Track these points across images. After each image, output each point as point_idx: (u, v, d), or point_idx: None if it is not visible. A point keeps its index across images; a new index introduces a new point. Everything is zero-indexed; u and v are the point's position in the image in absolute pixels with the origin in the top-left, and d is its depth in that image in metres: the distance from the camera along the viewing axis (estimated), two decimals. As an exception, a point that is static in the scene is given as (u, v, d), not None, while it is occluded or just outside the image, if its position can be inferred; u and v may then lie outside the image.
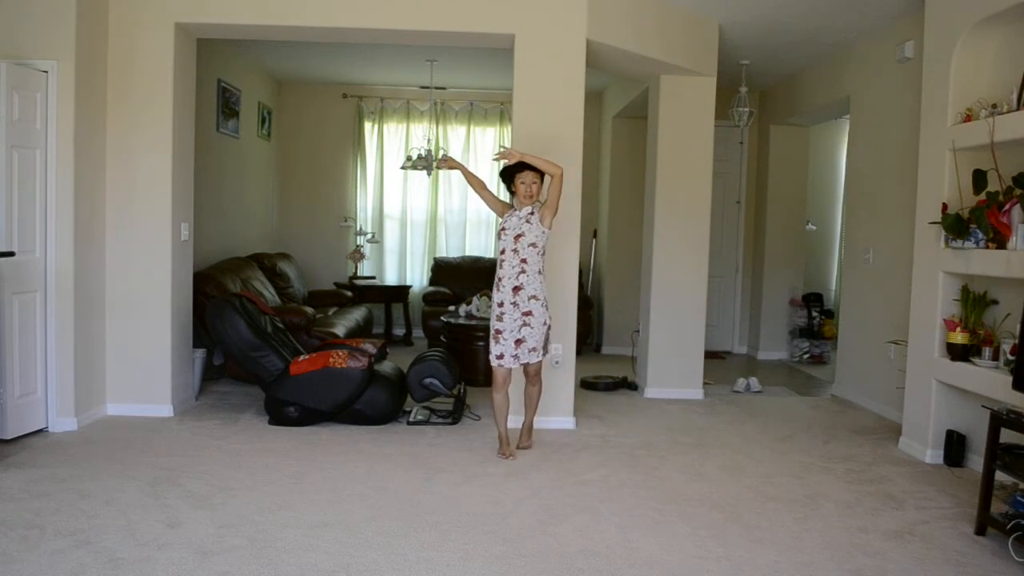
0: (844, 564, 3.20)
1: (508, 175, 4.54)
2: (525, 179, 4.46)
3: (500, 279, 4.47)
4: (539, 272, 4.46)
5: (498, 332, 4.45)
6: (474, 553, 3.19)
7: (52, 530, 3.27)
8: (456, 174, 8.97)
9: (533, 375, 4.63)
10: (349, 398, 5.01)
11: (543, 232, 4.45)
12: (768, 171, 8.24)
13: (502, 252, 4.48)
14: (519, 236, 4.43)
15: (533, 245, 4.43)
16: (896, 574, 3.13)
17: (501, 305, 4.45)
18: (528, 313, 4.42)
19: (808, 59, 6.98)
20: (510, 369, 4.48)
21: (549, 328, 4.54)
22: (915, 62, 5.40)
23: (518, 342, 4.43)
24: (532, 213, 4.46)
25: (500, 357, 4.45)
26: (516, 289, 4.41)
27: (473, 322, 6.69)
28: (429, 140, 8.69)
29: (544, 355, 4.54)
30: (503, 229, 4.51)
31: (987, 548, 3.40)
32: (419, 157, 8.12)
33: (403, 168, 8.48)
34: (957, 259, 4.41)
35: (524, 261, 4.42)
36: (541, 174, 4.46)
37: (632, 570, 3.08)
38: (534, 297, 4.43)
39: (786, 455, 4.75)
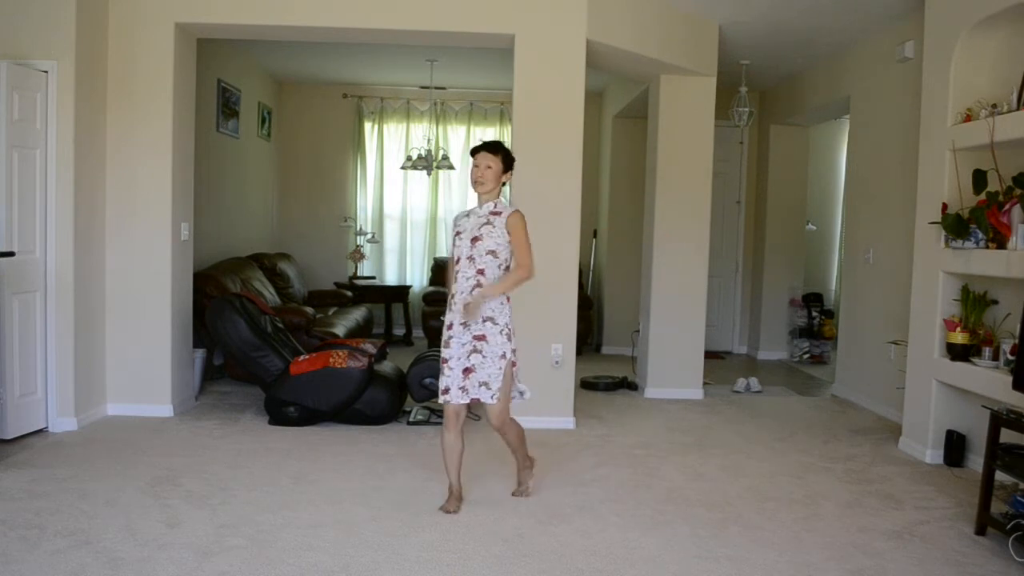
0: (844, 564, 3.20)
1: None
2: (478, 161, 3.60)
3: (452, 295, 3.59)
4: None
5: (444, 361, 3.57)
6: (474, 553, 3.19)
7: (52, 530, 3.27)
8: (456, 175, 8.97)
9: (493, 422, 3.64)
10: (349, 398, 5.01)
11: (508, 243, 3.56)
12: (768, 171, 8.24)
13: (457, 261, 3.60)
14: (476, 240, 3.55)
15: (493, 254, 3.54)
16: (896, 574, 3.13)
17: (450, 327, 3.56)
18: (480, 337, 3.51)
19: (808, 59, 6.98)
20: (463, 405, 3.60)
21: (514, 367, 3.61)
22: (915, 62, 5.40)
23: (466, 371, 3.52)
24: (496, 213, 3.59)
25: (445, 391, 3.55)
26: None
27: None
28: (429, 140, 8.69)
29: (511, 397, 3.62)
30: (457, 233, 3.63)
31: (987, 548, 3.40)
32: (419, 157, 8.13)
33: (403, 168, 8.49)
34: (957, 259, 4.41)
35: (481, 272, 3.53)
36: (501, 156, 3.61)
37: (632, 570, 3.08)
38: (491, 319, 3.52)
39: (786, 455, 4.75)
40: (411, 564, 3.07)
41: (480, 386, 3.53)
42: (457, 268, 3.59)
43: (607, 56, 5.69)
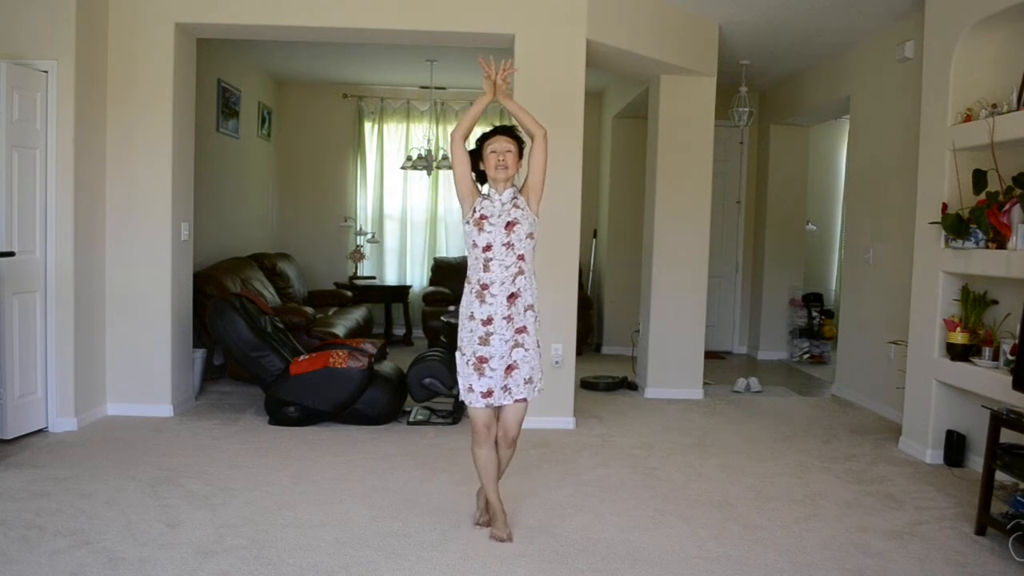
0: (844, 564, 3.20)
1: (478, 147, 3.42)
2: (496, 146, 3.32)
3: (486, 286, 3.27)
4: (534, 274, 3.37)
5: (482, 361, 3.27)
6: (474, 553, 3.19)
7: (52, 530, 3.27)
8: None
9: (514, 424, 3.36)
10: (349, 398, 5.01)
11: (535, 221, 3.36)
12: (768, 171, 8.24)
13: (486, 248, 3.28)
14: (512, 224, 3.28)
15: (531, 236, 3.33)
16: (896, 574, 3.13)
17: (488, 322, 3.27)
18: (522, 330, 3.30)
19: (808, 59, 6.98)
20: (493, 415, 3.34)
21: (540, 356, 3.39)
22: (915, 62, 5.40)
23: (509, 369, 3.29)
24: (516, 198, 3.35)
25: (487, 394, 3.27)
26: (512, 297, 3.27)
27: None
28: (429, 140, 8.69)
29: (537, 392, 3.36)
30: (483, 217, 3.29)
31: (987, 548, 3.40)
32: (419, 157, 8.13)
33: (403, 168, 8.49)
34: (957, 259, 4.41)
35: (521, 258, 3.29)
36: (519, 144, 3.37)
37: (632, 570, 3.08)
38: (531, 308, 3.32)
39: (786, 455, 4.75)
40: (411, 564, 3.07)
41: (525, 384, 3.30)
42: (488, 255, 3.27)
43: (607, 56, 5.69)
